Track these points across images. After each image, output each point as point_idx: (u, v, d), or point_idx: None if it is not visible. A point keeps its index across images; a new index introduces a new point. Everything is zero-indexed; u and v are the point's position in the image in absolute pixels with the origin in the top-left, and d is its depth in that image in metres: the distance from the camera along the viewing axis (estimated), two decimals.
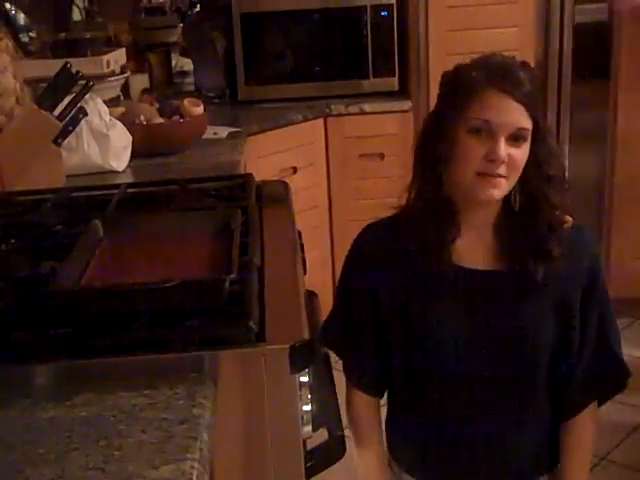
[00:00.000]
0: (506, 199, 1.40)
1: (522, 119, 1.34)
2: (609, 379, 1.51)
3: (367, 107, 3.27)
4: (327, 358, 1.47)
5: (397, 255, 1.44)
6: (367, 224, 1.53)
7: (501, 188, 1.36)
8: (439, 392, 1.47)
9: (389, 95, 3.36)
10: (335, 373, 1.44)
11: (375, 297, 1.47)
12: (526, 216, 1.40)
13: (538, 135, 1.37)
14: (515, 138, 1.34)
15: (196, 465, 0.85)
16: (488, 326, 1.42)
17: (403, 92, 3.38)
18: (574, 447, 1.51)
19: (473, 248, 1.44)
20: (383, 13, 3.32)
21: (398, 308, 1.45)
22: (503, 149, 1.33)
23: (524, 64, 1.39)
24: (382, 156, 3.26)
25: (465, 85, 1.35)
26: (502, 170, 1.34)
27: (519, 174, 1.37)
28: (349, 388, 1.55)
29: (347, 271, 1.54)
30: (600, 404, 1.53)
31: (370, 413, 1.55)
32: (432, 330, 1.43)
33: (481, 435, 1.47)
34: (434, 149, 1.39)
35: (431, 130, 1.41)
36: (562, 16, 3.18)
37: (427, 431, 1.51)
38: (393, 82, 3.38)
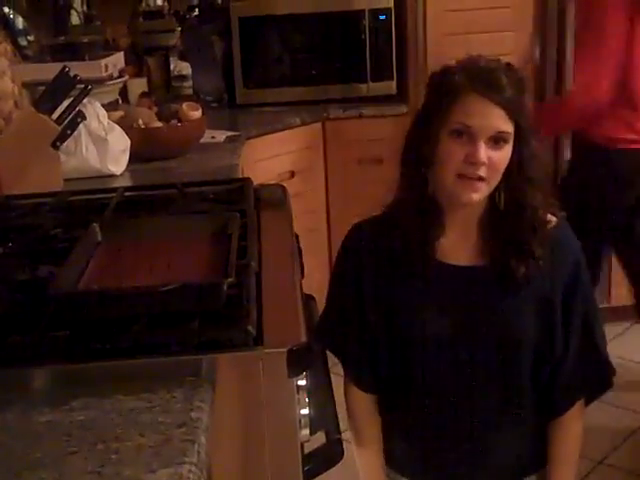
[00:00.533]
0: (491, 197, 1.42)
1: (502, 123, 1.36)
2: (594, 378, 1.52)
3: (365, 111, 3.27)
4: (325, 361, 1.48)
5: (382, 253, 1.46)
6: (355, 223, 1.55)
7: (480, 191, 1.38)
8: (422, 390, 1.48)
9: (387, 99, 3.37)
10: (333, 377, 1.44)
11: (361, 295, 1.48)
12: (510, 216, 1.42)
13: (521, 137, 1.39)
14: (495, 141, 1.36)
15: (194, 469, 0.85)
16: (470, 322, 1.43)
17: (401, 96, 3.38)
18: (561, 447, 1.52)
19: (457, 245, 1.45)
20: (381, 17, 3.32)
21: (382, 306, 1.46)
22: (483, 152, 1.35)
23: (508, 67, 1.41)
24: (380, 160, 3.26)
25: (448, 88, 1.37)
26: (482, 172, 1.36)
27: (499, 176, 1.39)
28: (346, 384, 1.56)
29: (336, 269, 1.57)
30: (587, 403, 1.54)
31: (367, 409, 1.56)
32: (416, 327, 1.45)
33: (464, 433, 1.48)
34: (418, 150, 1.41)
35: (416, 131, 1.44)
36: (560, 20, 3.19)
37: (410, 429, 1.52)
38: (391, 86, 3.39)
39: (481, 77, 1.36)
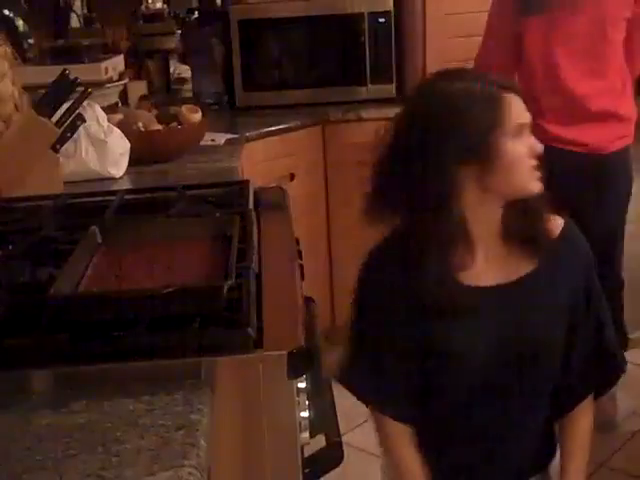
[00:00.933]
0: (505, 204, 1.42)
1: None
2: (605, 374, 1.55)
3: (364, 114, 3.28)
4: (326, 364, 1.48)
5: (407, 287, 1.41)
6: (369, 253, 1.49)
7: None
8: (450, 409, 1.47)
9: (387, 102, 3.37)
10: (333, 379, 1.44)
11: (391, 333, 1.45)
12: (522, 210, 1.42)
13: None
14: None
15: (193, 471, 0.85)
16: (505, 342, 1.42)
17: (401, 99, 3.38)
18: (573, 441, 1.54)
19: (484, 266, 1.43)
20: (381, 20, 3.33)
21: (415, 341, 1.43)
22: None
23: None
24: None
25: (482, 101, 1.35)
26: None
27: None
28: (381, 421, 1.50)
29: (358, 308, 1.51)
30: (596, 396, 1.55)
31: (407, 440, 1.50)
32: (452, 356, 1.42)
33: (490, 436, 1.49)
34: (441, 181, 1.36)
35: (428, 161, 1.36)
36: None
37: (435, 441, 1.51)
38: (390, 89, 3.39)
39: (497, 79, 1.39)
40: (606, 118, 2.46)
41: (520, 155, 1.36)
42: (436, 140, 1.35)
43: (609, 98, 2.47)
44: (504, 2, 2.53)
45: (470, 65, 2.53)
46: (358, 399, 1.51)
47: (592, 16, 2.39)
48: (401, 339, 1.44)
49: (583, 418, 1.54)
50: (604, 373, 1.54)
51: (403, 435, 1.50)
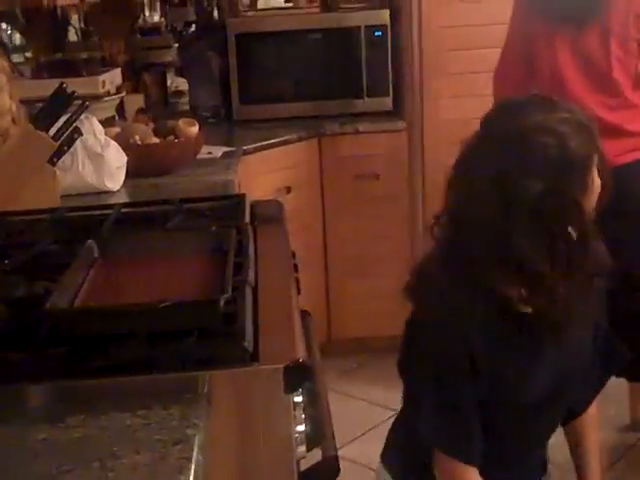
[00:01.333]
0: None
1: None
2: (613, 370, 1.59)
3: (361, 127, 3.28)
4: (322, 377, 1.47)
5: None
6: (434, 326, 1.38)
7: None
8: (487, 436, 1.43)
9: (383, 115, 3.38)
10: (331, 393, 1.44)
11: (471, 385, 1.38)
12: None
13: None
14: None
15: None
16: (559, 367, 1.41)
17: (397, 112, 3.39)
18: (589, 438, 1.58)
19: None
20: (377, 33, 3.34)
21: (495, 379, 1.39)
22: None
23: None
24: (377, 176, 3.27)
25: (581, 131, 1.32)
26: None
27: None
28: (462, 470, 1.41)
29: (428, 371, 1.41)
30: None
31: None
32: (524, 387, 1.40)
33: (517, 458, 1.50)
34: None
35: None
36: None
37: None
38: (387, 102, 3.40)
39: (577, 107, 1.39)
40: (613, 132, 2.45)
41: (598, 184, 1.34)
42: (556, 175, 1.29)
43: (619, 114, 2.47)
44: (520, 15, 2.54)
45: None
46: (445, 454, 1.43)
47: (598, 33, 2.41)
48: (480, 387, 1.38)
49: (594, 419, 1.58)
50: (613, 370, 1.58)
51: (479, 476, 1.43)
